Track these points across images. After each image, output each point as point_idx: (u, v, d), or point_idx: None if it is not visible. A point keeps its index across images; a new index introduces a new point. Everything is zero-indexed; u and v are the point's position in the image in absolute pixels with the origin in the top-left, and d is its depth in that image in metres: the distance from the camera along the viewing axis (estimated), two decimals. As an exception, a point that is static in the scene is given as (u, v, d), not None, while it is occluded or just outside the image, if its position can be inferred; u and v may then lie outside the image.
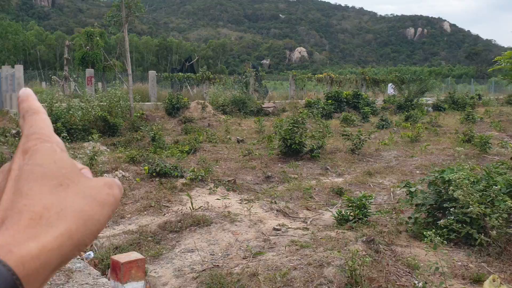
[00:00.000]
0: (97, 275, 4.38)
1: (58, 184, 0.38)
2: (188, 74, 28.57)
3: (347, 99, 22.04)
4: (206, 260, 4.65)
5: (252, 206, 6.15)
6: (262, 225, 5.64)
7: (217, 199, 6.67)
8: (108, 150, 10.80)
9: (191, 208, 6.04)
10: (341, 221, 5.67)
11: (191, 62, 32.44)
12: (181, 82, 28.24)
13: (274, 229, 5.51)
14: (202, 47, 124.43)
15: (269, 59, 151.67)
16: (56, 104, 13.14)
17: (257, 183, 8.09)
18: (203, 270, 4.39)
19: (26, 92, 0.44)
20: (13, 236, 0.34)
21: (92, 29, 24.72)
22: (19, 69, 19.41)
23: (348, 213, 5.68)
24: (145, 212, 6.33)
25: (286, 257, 4.52)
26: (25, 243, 0.34)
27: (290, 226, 5.70)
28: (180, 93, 21.34)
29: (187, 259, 4.72)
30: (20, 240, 0.34)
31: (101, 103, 14.43)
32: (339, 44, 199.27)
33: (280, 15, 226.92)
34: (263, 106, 21.20)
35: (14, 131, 10.86)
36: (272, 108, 21.20)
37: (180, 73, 29.02)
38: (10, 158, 5.76)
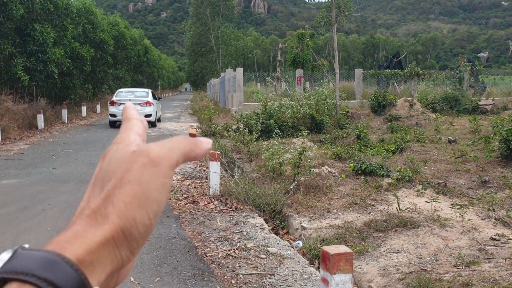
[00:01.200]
0: (305, 264, 4.65)
1: (106, 181, 0.42)
2: (396, 70, 27.77)
3: None
4: (413, 262, 4.51)
5: (465, 212, 5.70)
6: (476, 233, 5.18)
7: (426, 201, 6.37)
8: (315, 146, 11.25)
9: (398, 209, 5.90)
10: None
11: (399, 58, 31.42)
12: (388, 79, 27.61)
13: (492, 238, 5.01)
14: (411, 42, 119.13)
15: (487, 52, 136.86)
16: (270, 103, 14.23)
17: (471, 188, 7.44)
18: (409, 272, 4.27)
19: (126, 106, 0.51)
20: (76, 231, 0.39)
21: (303, 31, 25.99)
22: (239, 72, 21.61)
23: None
24: (350, 209, 6.42)
25: (506, 270, 4.08)
26: (80, 239, 0.38)
27: (511, 238, 5.11)
28: (386, 90, 20.91)
29: (392, 259, 4.65)
30: (77, 237, 0.38)
31: (309, 102, 15.09)
32: None
33: (503, 2, 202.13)
34: (480, 103, 19.27)
35: (234, 127, 12.18)
36: (490, 105, 19.13)
37: (387, 70, 28.40)
38: (232, 151, 6.51)
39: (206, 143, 0.47)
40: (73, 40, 22.21)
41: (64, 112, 20.83)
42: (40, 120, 17.32)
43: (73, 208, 6.09)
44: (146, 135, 0.48)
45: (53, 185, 7.98)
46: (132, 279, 4.15)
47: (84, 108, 24.46)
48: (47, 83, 19.62)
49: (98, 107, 27.64)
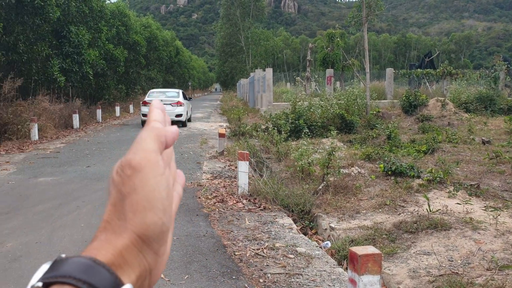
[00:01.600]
0: (334, 264, 4.65)
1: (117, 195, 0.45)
2: (427, 70, 27.28)
3: None
4: (444, 265, 4.44)
5: (499, 215, 5.57)
6: (511, 237, 5.06)
7: (457, 203, 6.25)
8: (345, 146, 11.18)
9: (428, 210, 5.82)
10: None
11: (431, 57, 30.85)
12: (419, 78, 27.16)
13: (526, 242, 4.89)
14: (444, 41, 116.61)
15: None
16: (299, 103, 14.21)
17: (506, 190, 7.25)
18: (440, 275, 4.22)
19: (153, 103, 0.53)
20: (100, 241, 0.43)
21: (333, 31, 25.83)
22: (269, 72, 21.63)
23: None
24: (379, 210, 6.37)
25: (541, 275, 3.98)
26: (109, 244, 0.42)
27: (546, 242, 4.97)
28: (417, 90, 20.57)
29: (422, 261, 4.59)
30: (106, 243, 0.42)
31: (339, 101, 15.00)
32: None
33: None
34: (516, 103, 18.73)
35: (263, 127, 12.23)
36: (527, 105, 18.56)
37: (418, 69, 27.95)
38: (261, 151, 6.55)
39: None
40: (107, 42, 22.74)
41: (99, 112, 21.34)
42: (76, 119, 17.81)
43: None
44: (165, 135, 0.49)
45: (87, 183, 8.21)
46: (162, 275, 4.24)
47: (117, 108, 24.98)
48: (82, 83, 20.14)
49: (131, 107, 28.18)
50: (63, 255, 0.42)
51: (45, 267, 0.41)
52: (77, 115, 17.96)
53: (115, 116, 24.23)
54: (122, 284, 0.40)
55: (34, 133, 13.85)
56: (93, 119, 20.96)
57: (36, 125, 13.95)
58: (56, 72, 16.70)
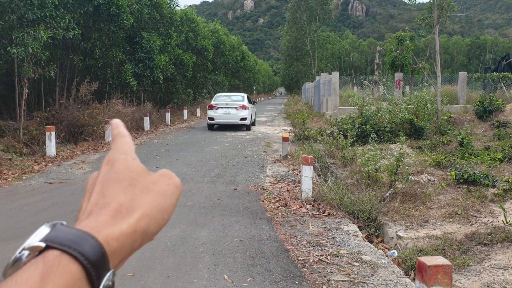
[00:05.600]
0: (400, 274, 4.50)
1: (127, 184, 0.50)
2: (505, 73, 25.78)
3: None
4: (521, 281, 4.17)
5: None
6: None
7: (537, 215, 5.85)
8: (414, 152, 10.81)
9: (504, 222, 5.49)
10: None
11: (509, 60, 29.09)
12: (495, 82, 25.72)
13: None
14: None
15: None
16: (366, 107, 13.91)
17: None
18: (516, 292, 3.96)
19: (117, 122, 0.59)
20: (98, 223, 0.46)
21: (402, 33, 25.09)
22: (335, 75, 21.38)
23: None
24: (450, 219, 6.09)
25: None
26: (108, 228, 0.45)
27: None
28: (493, 94, 19.46)
29: (498, 275, 4.34)
30: (104, 226, 0.45)
31: (408, 106, 14.53)
32: None
33: None
34: None
35: (328, 131, 12.09)
36: None
37: (494, 73, 26.50)
38: (326, 156, 6.51)
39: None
40: (176, 47, 23.51)
41: (168, 115, 22.09)
42: (147, 122, 18.55)
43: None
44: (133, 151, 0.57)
45: (156, 184, 8.49)
46: (225, 276, 4.31)
47: (185, 112, 25.72)
48: (153, 88, 20.96)
49: (198, 110, 28.91)
50: (64, 222, 0.45)
51: (45, 229, 0.44)
52: (148, 118, 18.69)
53: (183, 119, 24.96)
54: (109, 269, 0.44)
55: (108, 135, 14.58)
56: (162, 122, 21.73)
57: (110, 127, 14.67)
58: (129, 76, 17.50)
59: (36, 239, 0.43)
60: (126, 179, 0.50)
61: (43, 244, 0.42)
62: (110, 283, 0.43)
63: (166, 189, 0.51)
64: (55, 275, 0.40)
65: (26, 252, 0.42)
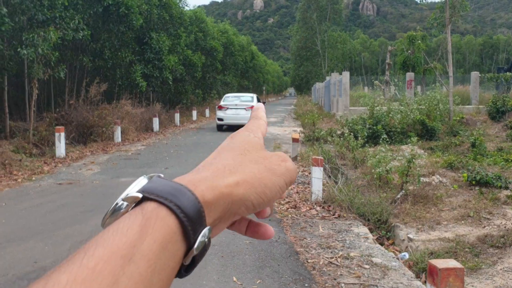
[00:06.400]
0: (411, 277, 4.42)
1: (239, 153, 0.51)
2: (518, 73, 25.48)
3: None
4: (536, 286, 4.08)
5: None
6: None
7: (552, 218, 5.73)
8: (425, 154, 10.69)
9: (518, 224, 5.39)
10: None
11: (523, 60, 28.75)
12: (509, 82, 25.42)
13: None
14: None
15: None
16: (377, 107, 13.80)
17: None
18: (531, 297, 3.87)
19: (259, 106, 0.65)
20: (197, 177, 0.45)
21: (414, 33, 24.88)
22: (346, 75, 21.27)
23: None
24: (462, 221, 6.00)
25: None
26: (205, 182, 0.44)
27: None
28: (506, 95, 19.22)
29: (511, 279, 4.25)
30: (202, 181, 0.44)
31: (419, 107, 14.39)
32: None
33: None
34: None
35: (339, 132, 12.00)
36: None
37: (507, 73, 26.19)
38: (336, 157, 6.43)
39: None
40: (185, 48, 23.54)
41: (177, 116, 22.13)
42: (156, 123, 18.59)
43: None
44: (265, 135, 0.60)
45: (165, 185, 8.48)
46: (234, 279, 4.27)
47: (194, 112, 25.75)
48: (162, 88, 21.01)
49: (207, 111, 28.93)
50: (162, 175, 0.45)
51: (142, 180, 0.44)
52: (157, 118, 18.73)
53: (192, 120, 24.99)
54: (205, 222, 0.43)
55: (117, 135, 14.63)
56: (171, 122, 21.77)
57: (119, 128, 14.73)
58: (138, 77, 17.55)
59: (134, 189, 0.42)
60: (239, 148, 0.52)
61: (140, 195, 0.41)
62: (206, 240, 0.42)
63: (275, 168, 0.51)
64: (153, 227, 0.39)
65: (125, 203, 0.42)
